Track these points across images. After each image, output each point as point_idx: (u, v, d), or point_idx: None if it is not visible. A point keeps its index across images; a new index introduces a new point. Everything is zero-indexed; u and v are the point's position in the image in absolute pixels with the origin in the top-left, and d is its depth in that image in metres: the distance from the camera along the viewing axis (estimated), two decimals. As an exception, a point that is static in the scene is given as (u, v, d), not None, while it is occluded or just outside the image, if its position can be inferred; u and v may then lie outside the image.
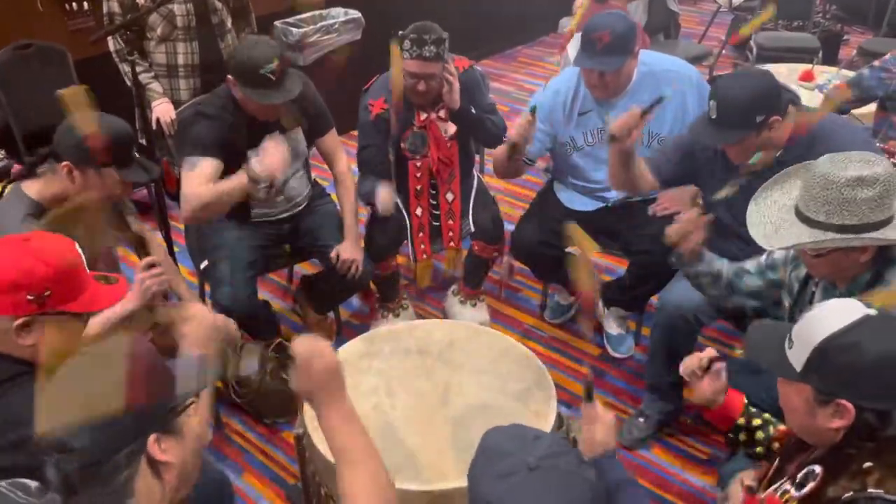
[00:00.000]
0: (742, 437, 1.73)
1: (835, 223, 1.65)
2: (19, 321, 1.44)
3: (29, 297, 1.43)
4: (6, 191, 2.08)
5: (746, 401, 1.74)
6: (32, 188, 2.02)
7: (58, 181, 2.00)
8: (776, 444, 1.68)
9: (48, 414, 1.16)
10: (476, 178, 3.13)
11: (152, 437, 1.17)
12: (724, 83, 2.16)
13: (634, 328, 3.09)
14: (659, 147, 2.62)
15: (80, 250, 1.55)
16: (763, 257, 2.06)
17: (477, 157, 3.16)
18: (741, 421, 1.71)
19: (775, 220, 1.80)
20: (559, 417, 2.02)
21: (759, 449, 1.71)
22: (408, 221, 2.96)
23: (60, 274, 1.47)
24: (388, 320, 3.08)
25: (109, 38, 3.13)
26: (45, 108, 3.49)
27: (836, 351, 1.30)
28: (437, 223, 3.00)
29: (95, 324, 1.86)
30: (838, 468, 1.31)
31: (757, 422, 1.72)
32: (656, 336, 2.49)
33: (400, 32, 2.63)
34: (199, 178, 2.43)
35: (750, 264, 2.09)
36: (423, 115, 2.82)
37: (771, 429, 1.70)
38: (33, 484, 1.26)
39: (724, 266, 2.12)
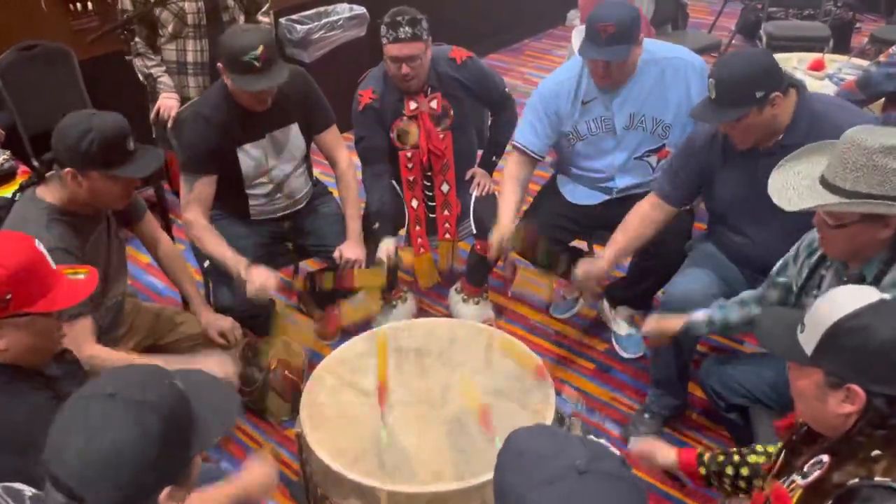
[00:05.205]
0: (725, 482, 1.72)
1: (861, 191, 1.61)
2: None
3: None
4: (18, 197, 2.06)
5: (699, 451, 1.77)
6: (47, 193, 2.00)
7: (68, 185, 1.97)
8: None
9: (65, 453, 1.05)
10: (478, 174, 3.10)
11: (166, 492, 1.10)
12: (722, 61, 2.14)
13: (640, 323, 3.06)
14: (661, 173, 2.57)
15: (41, 247, 1.50)
16: (773, 270, 2.02)
17: (479, 153, 3.13)
18: (703, 471, 1.73)
19: (798, 187, 1.74)
20: (559, 415, 2.00)
21: (741, 484, 1.69)
22: (406, 212, 2.94)
23: (19, 275, 1.41)
24: (389, 311, 3.06)
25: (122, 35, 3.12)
26: (51, 108, 3.55)
27: (846, 333, 1.28)
28: (434, 215, 2.98)
29: None
30: (846, 455, 1.29)
31: (721, 458, 1.72)
32: (662, 331, 2.46)
33: (378, 20, 2.65)
34: (197, 204, 2.56)
35: (763, 288, 2.05)
36: (413, 105, 2.80)
37: (735, 458, 1.71)
38: (28, 492, 1.22)
39: (729, 314, 2.08)
